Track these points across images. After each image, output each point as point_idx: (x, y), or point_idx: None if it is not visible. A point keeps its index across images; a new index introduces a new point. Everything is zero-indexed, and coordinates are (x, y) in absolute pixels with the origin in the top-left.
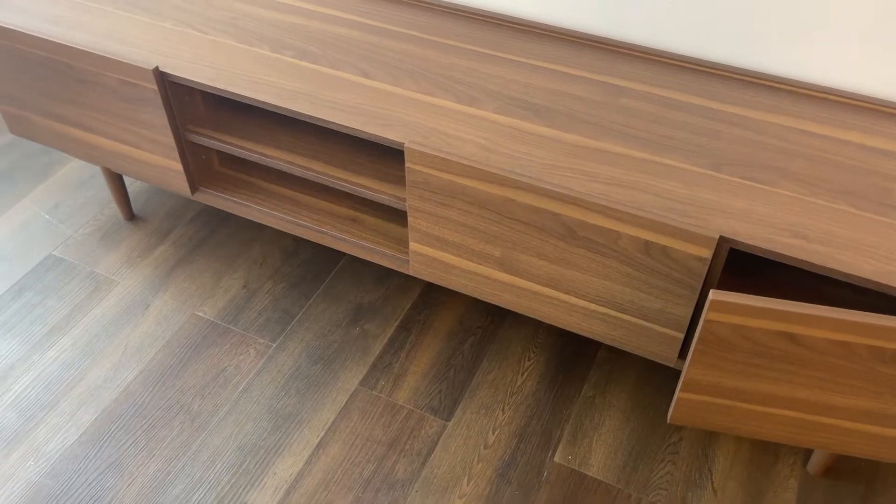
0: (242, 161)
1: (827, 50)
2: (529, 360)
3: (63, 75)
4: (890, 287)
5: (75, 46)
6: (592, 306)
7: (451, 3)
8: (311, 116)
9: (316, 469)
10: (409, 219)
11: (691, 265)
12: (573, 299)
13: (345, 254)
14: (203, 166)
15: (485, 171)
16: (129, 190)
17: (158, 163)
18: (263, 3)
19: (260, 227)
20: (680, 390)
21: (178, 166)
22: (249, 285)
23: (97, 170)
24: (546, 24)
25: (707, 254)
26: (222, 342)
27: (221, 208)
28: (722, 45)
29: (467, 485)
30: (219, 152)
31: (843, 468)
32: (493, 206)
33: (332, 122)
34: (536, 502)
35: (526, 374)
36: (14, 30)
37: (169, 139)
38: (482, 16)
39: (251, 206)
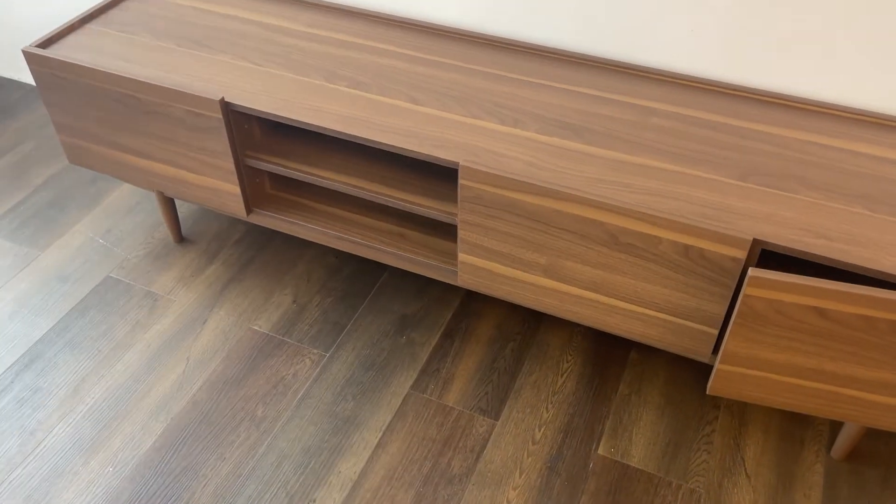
0: (293, 184)
1: (838, 72)
2: (567, 362)
3: (131, 108)
4: None
5: (147, 81)
6: (632, 307)
7: (488, 35)
8: (368, 140)
9: (377, 467)
10: (460, 232)
11: (726, 265)
12: (614, 301)
13: (385, 270)
14: (257, 189)
15: (534, 185)
16: (178, 214)
17: (217, 186)
18: (313, 37)
19: (303, 247)
20: (719, 362)
21: (236, 189)
22: (299, 300)
23: (144, 196)
24: (577, 53)
25: (742, 255)
26: (279, 353)
27: (275, 228)
28: (739, 68)
29: (519, 477)
30: (270, 176)
31: (863, 452)
32: (540, 217)
33: (389, 145)
34: (585, 491)
35: (565, 375)
36: (87, 67)
37: (229, 164)
38: (518, 46)
39: (303, 224)
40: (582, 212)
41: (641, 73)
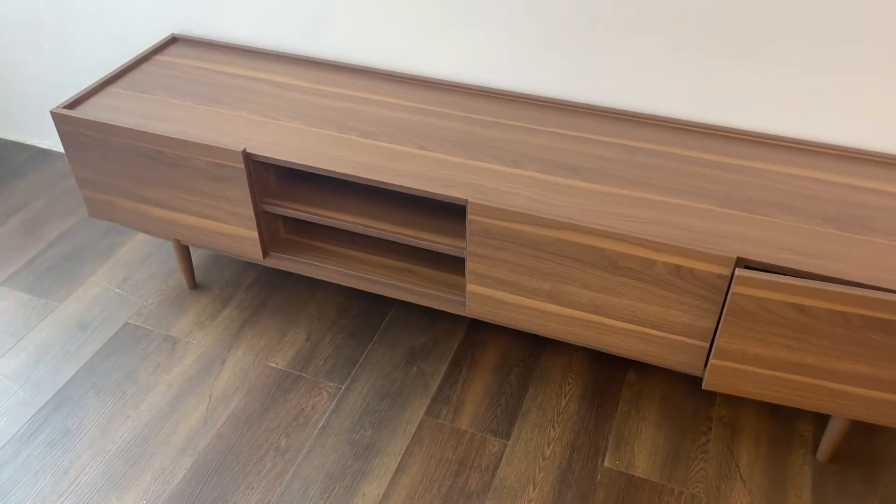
0: (305, 228)
1: (804, 113)
2: (569, 384)
3: (156, 161)
4: (875, 287)
5: (173, 136)
6: (631, 326)
7: (483, 88)
8: (383, 182)
9: (399, 488)
10: (469, 263)
11: (714, 282)
12: (614, 322)
13: (392, 306)
14: (272, 234)
15: (538, 217)
16: (192, 261)
17: (236, 232)
18: (320, 93)
19: (313, 289)
20: (712, 358)
21: (254, 234)
22: (312, 338)
23: (156, 247)
24: (564, 101)
25: (727, 271)
26: (297, 387)
27: (291, 270)
28: (710, 110)
29: (533, 491)
30: (284, 221)
31: (845, 454)
32: (544, 246)
33: (402, 186)
34: (595, 501)
35: (568, 396)
36: (116, 125)
37: (248, 211)
38: (511, 97)
39: (318, 265)
40: (583, 239)
41: (624, 117)
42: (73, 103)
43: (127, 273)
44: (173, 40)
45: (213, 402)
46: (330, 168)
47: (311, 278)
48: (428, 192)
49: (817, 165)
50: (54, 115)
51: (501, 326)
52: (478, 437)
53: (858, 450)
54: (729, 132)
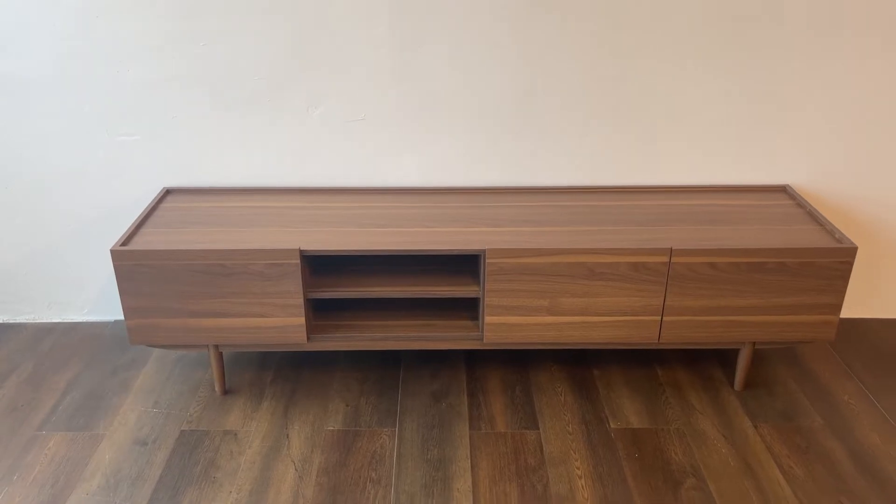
0: (331, 314)
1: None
2: (558, 387)
3: (210, 275)
4: (751, 247)
5: (234, 248)
6: (606, 318)
7: (445, 187)
8: (415, 251)
9: (481, 478)
10: (487, 300)
11: (659, 269)
12: (595, 318)
13: (400, 367)
14: (308, 321)
15: (539, 249)
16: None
17: (283, 323)
18: (325, 208)
19: (329, 372)
20: (664, 315)
21: (301, 321)
22: (350, 404)
23: (168, 372)
24: (506, 186)
25: (666, 259)
26: (360, 438)
27: (331, 349)
28: (599, 175)
29: (575, 455)
30: (315, 309)
31: (752, 382)
32: (542, 270)
33: (433, 250)
34: (619, 449)
35: (562, 394)
36: (176, 249)
37: (298, 300)
38: (469, 189)
39: (355, 336)
40: (570, 259)
41: (550, 189)
42: (125, 242)
43: (155, 397)
44: (167, 192)
45: (297, 464)
46: (376, 249)
47: (324, 365)
48: (451, 249)
49: (680, 197)
50: (114, 252)
51: (491, 360)
52: (517, 434)
53: (758, 377)
54: (613, 188)
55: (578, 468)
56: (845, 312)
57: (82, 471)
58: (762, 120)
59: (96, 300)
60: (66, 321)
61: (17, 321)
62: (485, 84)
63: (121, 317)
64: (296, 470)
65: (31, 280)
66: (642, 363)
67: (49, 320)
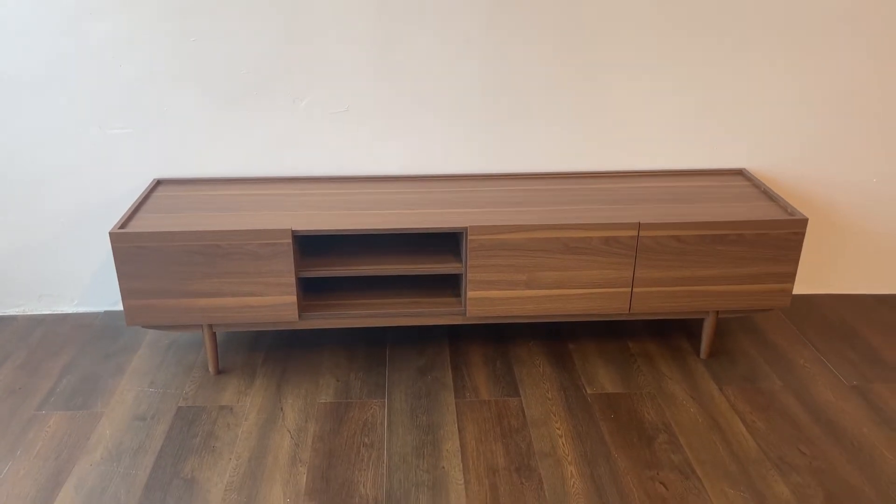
0: (319, 293)
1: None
2: (537, 359)
3: (208, 255)
4: (713, 221)
5: (230, 229)
6: (580, 291)
7: (424, 175)
8: (401, 229)
9: (468, 439)
10: (469, 275)
11: (629, 242)
12: (571, 291)
13: (386, 344)
14: (301, 299)
15: (516, 226)
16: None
17: (275, 301)
18: (314, 195)
19: (318, 351)
20: (633, 287)
21: (293, 299)
22: (340, 379)
23: (161, 356)
24: (482, 173)
25: (635, 233)
26: (352, 408)
27: (322, 327)
28: (575, 161)
29: (555, 418)
30: (305, 289)
31: (716, 351)
32: (521, 246)
33: (419, 228)
34: (596, 412)
35: (541, 366)
36: (174, 231)
37: (290, 279)
38: (447, 176)
39: (344, 314)
40: (546, 234)
41: (527, 175)
42: (123, 225)
43: (150, 378)
44: (158, 183)
45: (293, 433)
46: (364, 228)
47: (313, 346)
48: (438, 228)
49: (645, 180)
50: (113, 234)
51: (473, 338)
52: (500, 401)
53: (722, 347)
54: (584, 173)
55: (559, 428)
56: (799, 289)
57: (84, 444)
58: (719, 109)
59: (86, 292)
60: (56, 313)
61: (8, 313)
62: (461, 78)
63: (111, 307)
64: (292, 438)
65: (21, 272)
66: (615, 337)
67: (39, 312)
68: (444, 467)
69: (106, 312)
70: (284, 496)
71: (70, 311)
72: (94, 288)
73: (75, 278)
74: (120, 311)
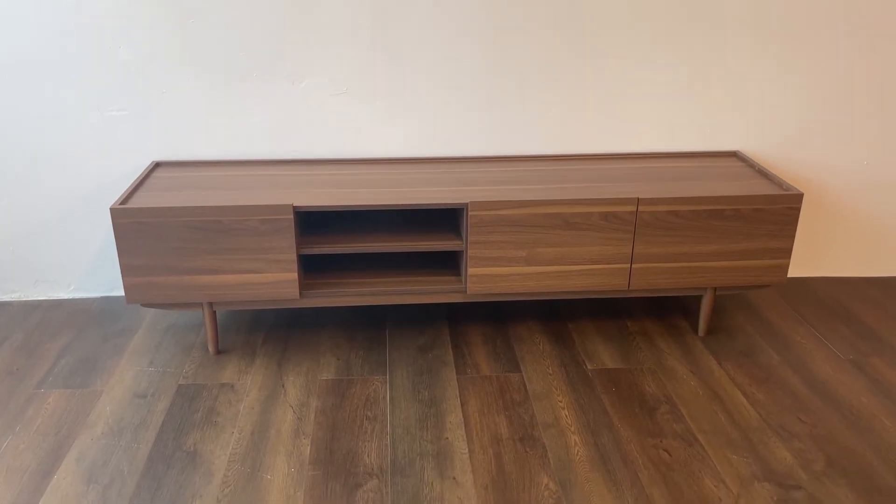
0: (321, 270)
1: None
2: (536, 337)
3: (207, 232)
4: (709, 196)
5: (231, 205)
6: (580, 267)
7: (424, 157)
8: (404, 205)
9: (471, 412)
10: (470, 251)
11: (627, 218)
12: (571, 267)
13: (386, 324)
14: (301, 278)
15: (516, 201)
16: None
17: (276, 278)
18: (317, 176)
19: (318, 331)
20: (633, 263)
21: (294, 276)
22: (341, 357)
23: (160, 337)
24: (482, 156)
25: (634, 208)
26: (354, 385)
27: (323, 305)
28: (573, 144)
29: (556, 392)
30: (305, 267)
31: (714, 329)
32: (521, 221)
33: (422, 204)
34: (597, 386)
35: (540, 343)
36: (174, 206)
37: (292, 255)
38: (446, 159)
39: (345, 292)
40: (546, 209)
41: (526, 158)
42: (124, 202)
43: (150, 357)
44: (157, 165)
45: (296, 408)
46: (365, 204)
47: (312, 327)
48: (439, 204)
49: (642, 161)
50: (114, 210)
51: (472, 317)
52: (501, 377)
53: (719, 325)
54: (583, 155)
55: (561, 401)
56: (793, 272)
57: (84, 420)
58: (714, 92)
59: (82, 277)
60: (51, 298)
61: (3, 299)
62: (460, 61)
63: (108, 293)
64: (294, 413)
65: (17, 258)
66: (613, 316)
67: (35, 298)
68: (447, 438)
69: (103, 298)
70: (288, 466)
71: (66, 297)
72: (90, 273)
73: (72, 263)
74: (117, 297)
